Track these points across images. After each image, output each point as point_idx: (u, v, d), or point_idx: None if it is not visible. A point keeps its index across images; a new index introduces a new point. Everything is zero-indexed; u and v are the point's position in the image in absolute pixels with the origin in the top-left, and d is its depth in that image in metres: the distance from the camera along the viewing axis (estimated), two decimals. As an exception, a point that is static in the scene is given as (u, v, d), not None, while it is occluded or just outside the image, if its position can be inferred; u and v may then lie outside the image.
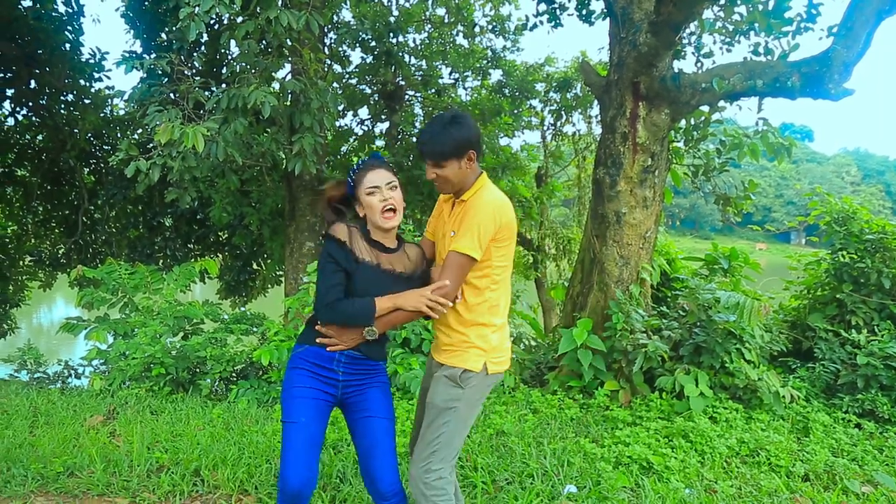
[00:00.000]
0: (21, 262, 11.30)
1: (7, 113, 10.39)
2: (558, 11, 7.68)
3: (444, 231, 2.41)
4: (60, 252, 11.05)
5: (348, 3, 8.85)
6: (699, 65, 6.14)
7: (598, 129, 10.76)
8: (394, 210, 2.33)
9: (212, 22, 7.14)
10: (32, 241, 11.45)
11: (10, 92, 9.86)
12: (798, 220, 6.49)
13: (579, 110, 10.77)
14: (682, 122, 5.61)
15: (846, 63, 4.34)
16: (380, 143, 9.83)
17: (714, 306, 4.84)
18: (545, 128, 11.28)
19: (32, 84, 9.64)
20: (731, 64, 4.99)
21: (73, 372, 6.23)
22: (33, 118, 10.41)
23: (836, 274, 5.46)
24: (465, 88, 10.24)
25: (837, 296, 5.37)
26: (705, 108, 5.42)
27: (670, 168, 5.48)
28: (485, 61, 10.02)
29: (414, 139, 9.12)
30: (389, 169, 2.39)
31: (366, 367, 2.40)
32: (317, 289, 2.31)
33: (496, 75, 10.28)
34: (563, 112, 10.79)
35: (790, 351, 5.33)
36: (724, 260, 6.11)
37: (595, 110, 10.69)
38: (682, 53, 6.10)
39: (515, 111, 9.94)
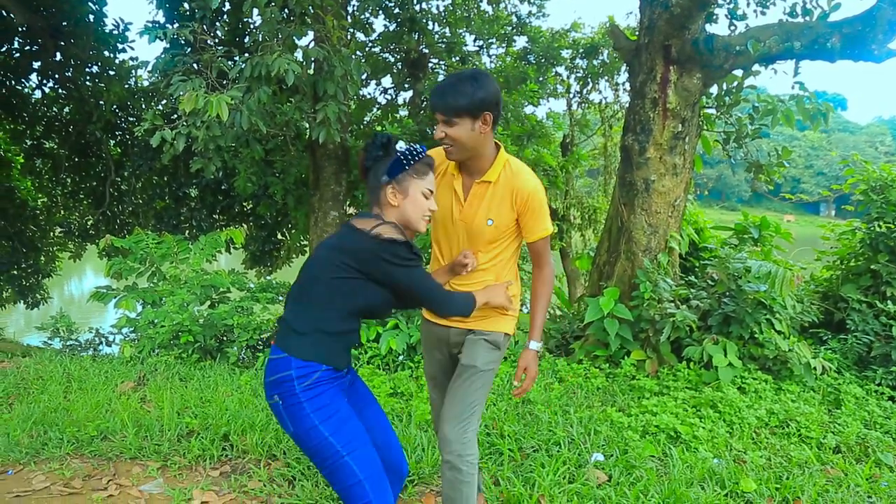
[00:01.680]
0: (51, 234, 11.51)
1: (34, 86, 10.50)
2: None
3: (464, 216, 2.31)
4: (89, 223, 11.22)
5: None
6: (732, 28, 5.94)
7: (625, 97, 10.53)
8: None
9: (234, -11, 7.08)
10: (62, 212, 11.62)
11: (36, 65, 9.94)
12: (833, 188, 6.31)
13: (606, 77, 10.53)
14: (714, 88, 5.45)
15: (892, 22, 4.14)
16: (403, 112, 9.74)
17: (744, 276, 4.75)
18: (571, 96, 11.07)
19: (58, 56, 9.69)
20: (766, 26, 4.81)
21: (103, 340, 6.37)
22: (60, 90, 10.49)
23: (871, 244, 5.30)
24: (489, 56, 10.04)
25: (872, 266, 5.22)
26: (738, 73, 5.25)
27: (701, 134, 5.34)
28: (509, 27, 9.80)
29: (438, 108, 8.99)
30: None
31: None
32: (424, 288, 2.06)
33: (521, 42, 10.07)
34: (589, 79, 10.56)
35: (821, 322, 5.22)
36: (754, 229, 5.98)
37: (622, 77, 10.45)
38: (715, 17, 5.90)
39: (541, 79, 9.73)
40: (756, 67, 5.11)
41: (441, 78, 9.54)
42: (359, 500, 1.93)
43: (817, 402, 4.25)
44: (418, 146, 2.09)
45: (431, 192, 2.11)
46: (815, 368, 4.46)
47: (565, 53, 10.15)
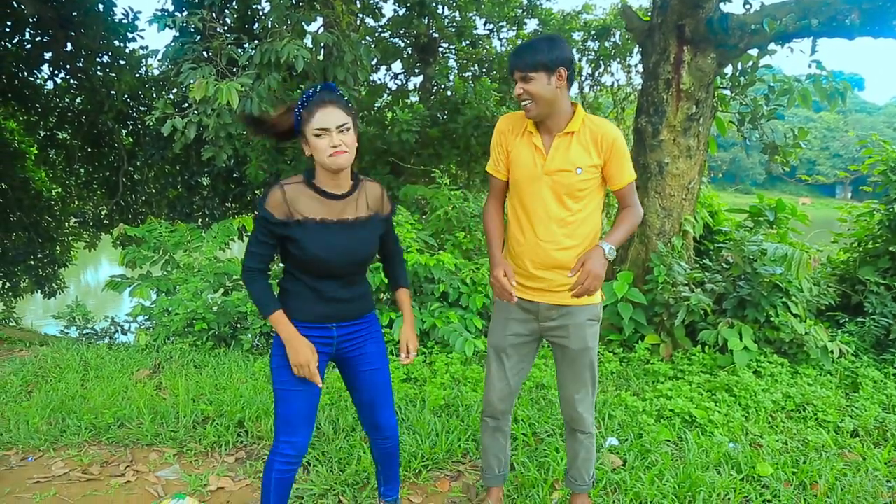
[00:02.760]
0: (66, 224, 11.60)
1: (46, 76, 10.54)
2: (597, -46, 7.35)
3: (548, 168, 2.31)
4: (103, 213, 11.30)
5: (379, -47, 8.62)
6: (748, 6, 5.82)
7: (637, 79, 10.38)
8: (344, 150, 2.08)
9: (242, -24, 7.05)
10: (76, 202, 11.71)
11: (48, 55, 9.97)
12: (851, 169, 6.21)
13: (618, 59, 10.39)
14: (729, 68, 5.35)
15: (913, -3, 4.05)
16: (414, 97, 9.69)
17: (760, 258, 4.70)
18: (583, 78, 10.94)
19: (69, 47, 9.71)
20: (783, 3, 4.72)
21: (119, 328, 6.42)
22: (71, 81, 10.52)
23: (890, 225, 5.23)
24: (499, 39, 9.95)
25: (891, 248, 5.15)
26: (754, 52, 5.15)
27: (715, 116, 5.26)
28: (520, 10, 9.69)
29: (449, 93, 8.95)
30: (343, 105, 2.08)
31: (358, 321, 2.34)
32: (248, 246, 2.20)
33: (532, 25, 9.95)
34: (601, 62, 10.42)
35: (839, 305, 5.15)
36: (769, 212, 5.90)
37: (635, 59, 10.30)
38: (730, -5, 5.78)
39: (552, 62, 9.63)
40: (772, 46, 5.02)
41: (451, 62, 9.49)
42: (276, 426, 2.28)
43: (834, 385, 4.21)
44: (318, 86, 2.12)
45: (324, 129, 2.04)
46: (831, 352, 4.41)
47: (577, 36, 10.03)
